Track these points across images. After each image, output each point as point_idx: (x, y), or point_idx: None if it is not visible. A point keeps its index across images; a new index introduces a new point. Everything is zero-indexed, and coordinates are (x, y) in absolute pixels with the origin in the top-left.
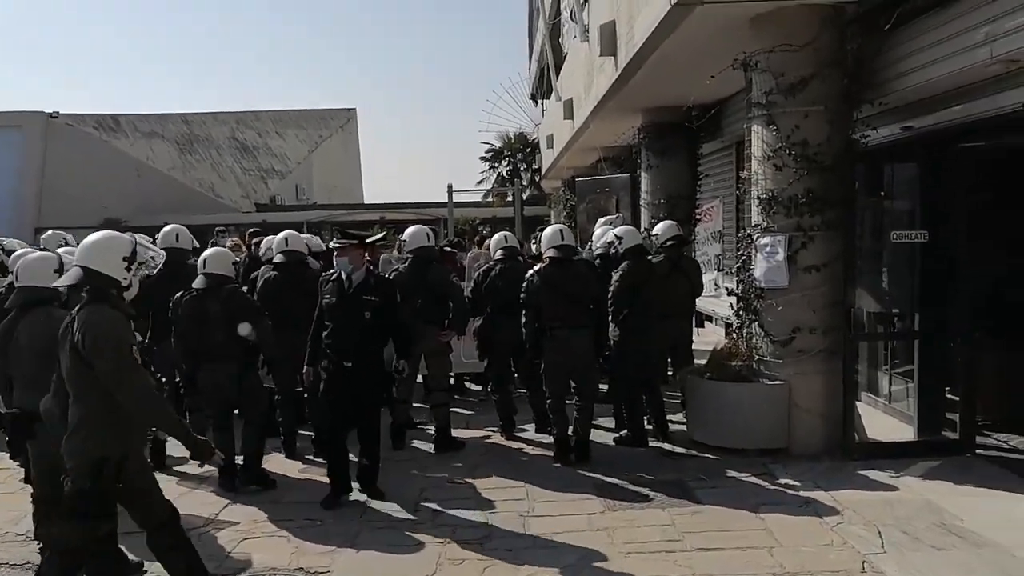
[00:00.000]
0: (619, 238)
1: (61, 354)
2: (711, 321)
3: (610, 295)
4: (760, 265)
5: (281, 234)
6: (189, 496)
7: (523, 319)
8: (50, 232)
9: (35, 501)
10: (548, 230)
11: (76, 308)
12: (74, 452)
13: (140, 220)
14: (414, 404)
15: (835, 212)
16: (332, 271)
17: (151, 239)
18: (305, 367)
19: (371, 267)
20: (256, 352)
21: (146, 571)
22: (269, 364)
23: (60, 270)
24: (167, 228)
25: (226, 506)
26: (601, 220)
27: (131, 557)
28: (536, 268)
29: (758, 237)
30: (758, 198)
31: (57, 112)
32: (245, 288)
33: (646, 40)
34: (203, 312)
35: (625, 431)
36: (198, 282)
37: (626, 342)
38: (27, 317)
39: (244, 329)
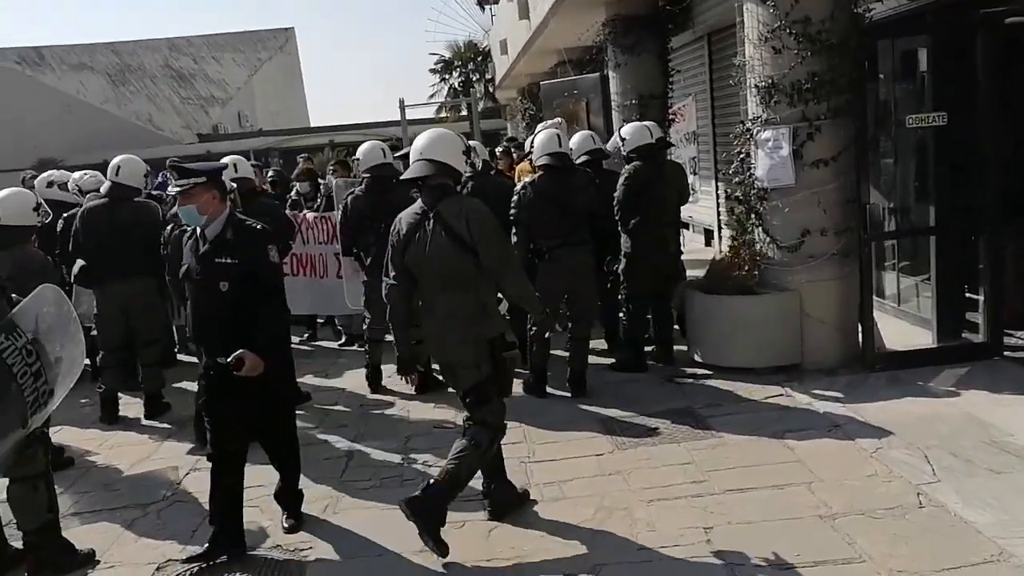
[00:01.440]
0: (623, 138)
1: (416, 249)
2: (687, 228)
3: (616, 202)
4: (762, 163)
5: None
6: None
7: (513, 238)
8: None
9: None
10: (542, 134)
11: (429, 204)
12: (466, 340)
13: (76, 159)
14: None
15: (843, 97)
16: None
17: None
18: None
19: (236, 214)
20: None
21: (98, 560)
22: None
23: None
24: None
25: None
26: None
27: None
28: (529, 179)
29: (758, 131)
30: (755, 87)
31: None
32: None
33: None
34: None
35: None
36: None
37: (637, 254)
38: None
39: None
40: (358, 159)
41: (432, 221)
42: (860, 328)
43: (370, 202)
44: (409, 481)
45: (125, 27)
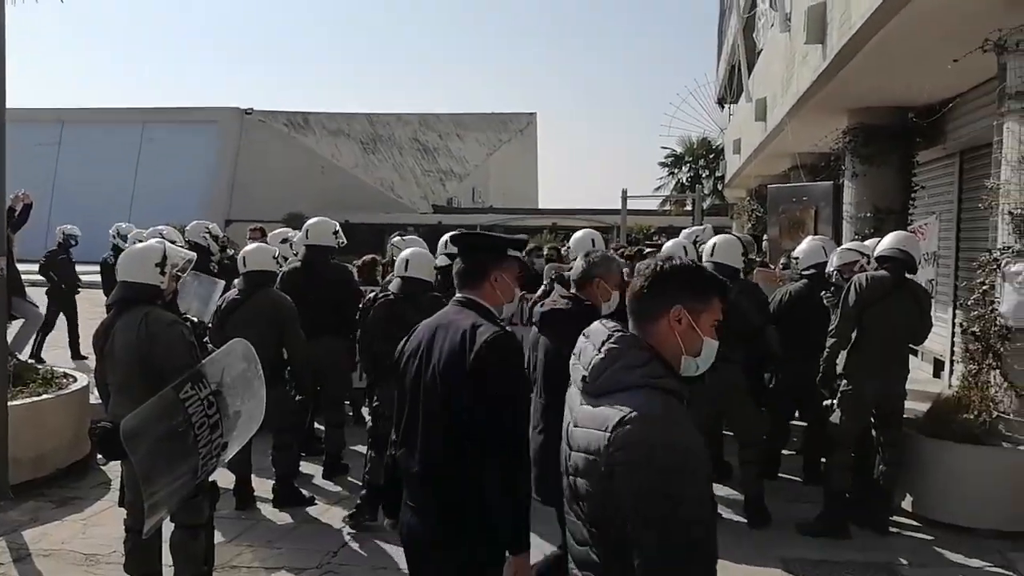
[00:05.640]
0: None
1: None
2: (914, 355)
3: (840, 318)
4: (1008, 298)
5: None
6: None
7: None
8: (195, 222)
9: (127, 530)
10: (716, 239)
11: None
12: None
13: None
14: None
15: None
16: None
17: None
18: None
19: None
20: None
21: None
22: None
23: (162, 264)
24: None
25: None
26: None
27: None
28: None
29: (1007, 263)
30: (1010, 213)
31: (251, 108)
32: None
33: (867, 21)
34: (395, 318)
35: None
36: (395, 285)
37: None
38: (124, 317)
39: None
40: (569, 247)
41: None
42: None
43: None
44: None
45: (380, 98)
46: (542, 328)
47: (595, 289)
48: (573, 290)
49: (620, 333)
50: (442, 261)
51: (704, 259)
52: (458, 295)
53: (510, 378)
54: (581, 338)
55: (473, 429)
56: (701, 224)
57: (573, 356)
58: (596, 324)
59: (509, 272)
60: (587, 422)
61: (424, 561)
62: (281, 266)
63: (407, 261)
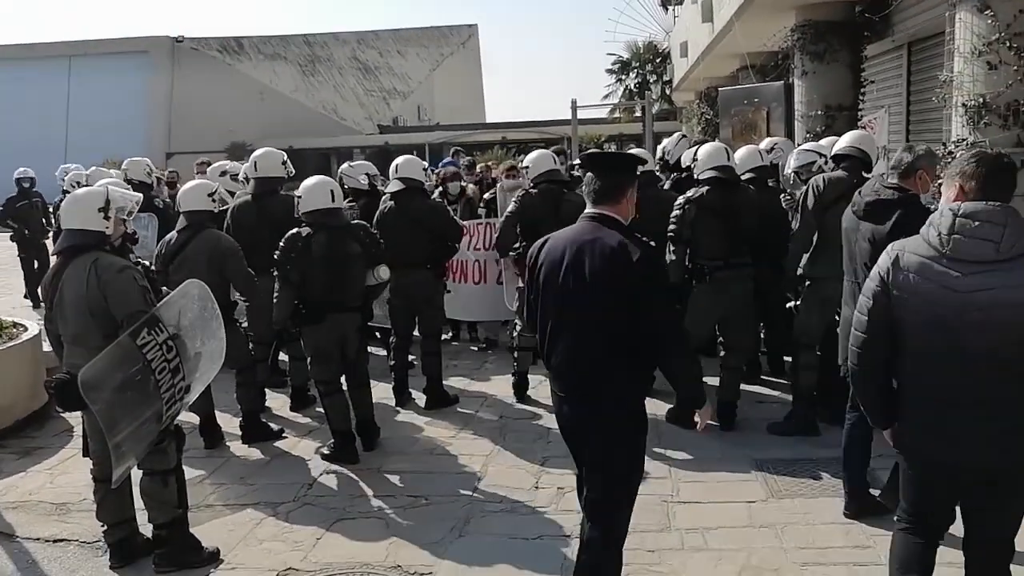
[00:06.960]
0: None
1: None
2: None
3: (800, 221)
4: None
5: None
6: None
7: (670, 256)
8: (131, 160)
9: (95, 480)
10: (708, 146)
11: None
12: None
13: (265, 144)
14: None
15: None
16: None
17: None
18: None
19: None
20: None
21: (222, 560)
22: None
23: (105, 208)
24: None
25: (322, 473)
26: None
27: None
28: (692, 193)
29: (962, 155)
30: (963, 105)
31: (182, 36)
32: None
33: None
34: (340, 252)
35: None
36: (313, 217)
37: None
38: (71, 266)
39: (384, 273)
40: (528, 167)
41: None
42: None
43: (543, 209)
44: (542, 508)
45: (317, 17)
46: (867, 216)
47: (917, 180)
48: (894, 180)
49: (1006, 207)
50: (395, 186)
51: (709, 165)
52: (590, 210)
53: (667, 280)
54: (958, 219)
55: (641, 327)
56: (652, 128)
57: (959, 236)
58: (972, 205)
59: (635, 188)
60: (1016, 281)
61: (585, 441)
62: (220, 203)
63: (332, 192)
